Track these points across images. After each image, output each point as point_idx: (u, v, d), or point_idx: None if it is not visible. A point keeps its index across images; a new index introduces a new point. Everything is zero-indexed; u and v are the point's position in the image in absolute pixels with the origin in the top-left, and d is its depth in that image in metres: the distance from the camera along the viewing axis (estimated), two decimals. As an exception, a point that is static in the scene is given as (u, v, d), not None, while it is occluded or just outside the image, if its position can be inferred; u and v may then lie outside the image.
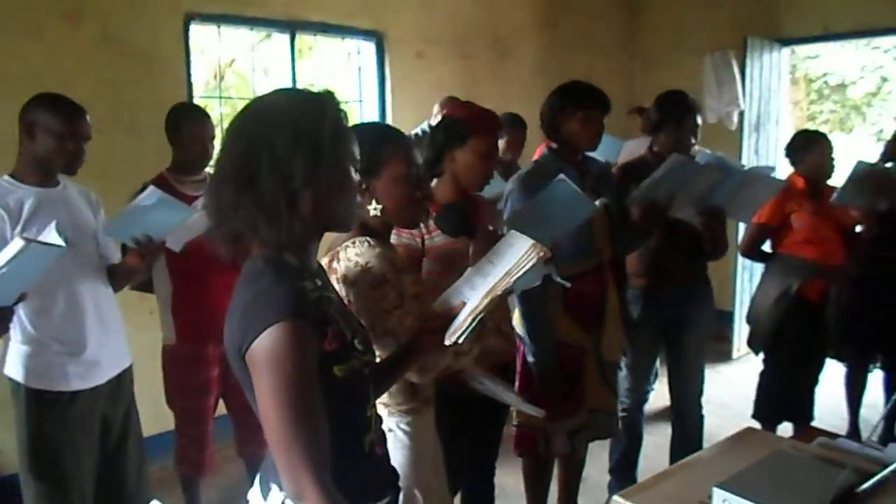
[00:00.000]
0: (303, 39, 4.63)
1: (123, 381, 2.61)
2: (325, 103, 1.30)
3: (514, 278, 1.53)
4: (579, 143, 2.69)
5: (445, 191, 2.34)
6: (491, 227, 2.07)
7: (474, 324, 1.54)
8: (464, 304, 1.58)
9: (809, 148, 3.48)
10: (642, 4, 6.31)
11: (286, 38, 4.44)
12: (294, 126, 1.24)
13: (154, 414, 2.99)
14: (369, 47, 4.79)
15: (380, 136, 1.80)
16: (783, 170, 3.68)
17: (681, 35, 5.97)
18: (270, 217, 1.24)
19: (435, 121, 4.04)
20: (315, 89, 1.36)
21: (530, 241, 1.55)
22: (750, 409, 3.61)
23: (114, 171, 3.22)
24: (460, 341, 1.55)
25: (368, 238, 1.76)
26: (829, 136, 3.60)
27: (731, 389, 4.60)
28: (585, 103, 2.67)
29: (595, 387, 2.81)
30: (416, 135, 3.72)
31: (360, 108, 4.85)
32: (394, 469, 1.53)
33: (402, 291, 1.73)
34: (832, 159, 3.48)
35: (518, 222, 2.29)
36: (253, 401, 1.25)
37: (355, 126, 1.47)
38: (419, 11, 4.89)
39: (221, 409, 3.07)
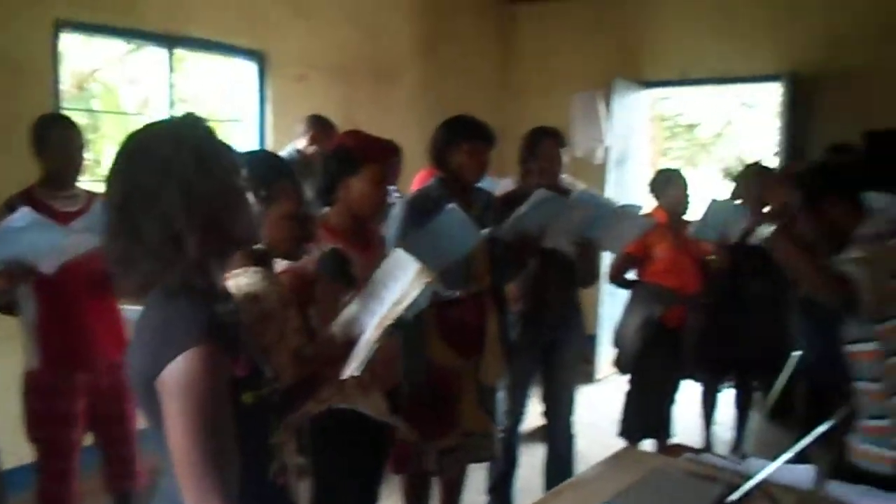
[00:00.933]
0: (179, 52, 4.48)
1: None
2: (180, 131, 1.26)
3: (404, 307, 1.54)
4: (465, 174, 2.79)
5: (339, 218, 2.34)
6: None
7: (370, 354, 1.54)
8: (361, 333, 1.58)
9: (669, 184, 3.76)
10: (517, 40, 6.61)
11: (162, 51, 4.30)
12: (155, 167, 1.20)
13: (13, 445, 2.78)
14: (250, 67, 4.72)
15: (271, 172, 1.80)
16: (646, 203, 3.95)
17: (552, 72, 6.32)
18: (164, 264, 1.21)
19: (301, 143, 4.03)
20: (175, 115, 1.32)
21: (417, 266, 1.55)
22: (613, 428, 3.81)
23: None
24: (358, 374, 1.55)
25: (261, 269, 1.76)
26: (684, 173, 3.91)
27: (595, 409, 4.81)
28: (471, 135, 2.78)
29: (472, 411, 2.87)
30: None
31: (238, 128, 4.76)
32: (295, 501, 1.52)
33: (284, 327, 1.73)
34: (688, 195, 3.78)
35: (408, 248, 2.33)
36: (157, 430, 1.22)
37: (246, 155, 1.46)
38: (302, 34, 4.87)
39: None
